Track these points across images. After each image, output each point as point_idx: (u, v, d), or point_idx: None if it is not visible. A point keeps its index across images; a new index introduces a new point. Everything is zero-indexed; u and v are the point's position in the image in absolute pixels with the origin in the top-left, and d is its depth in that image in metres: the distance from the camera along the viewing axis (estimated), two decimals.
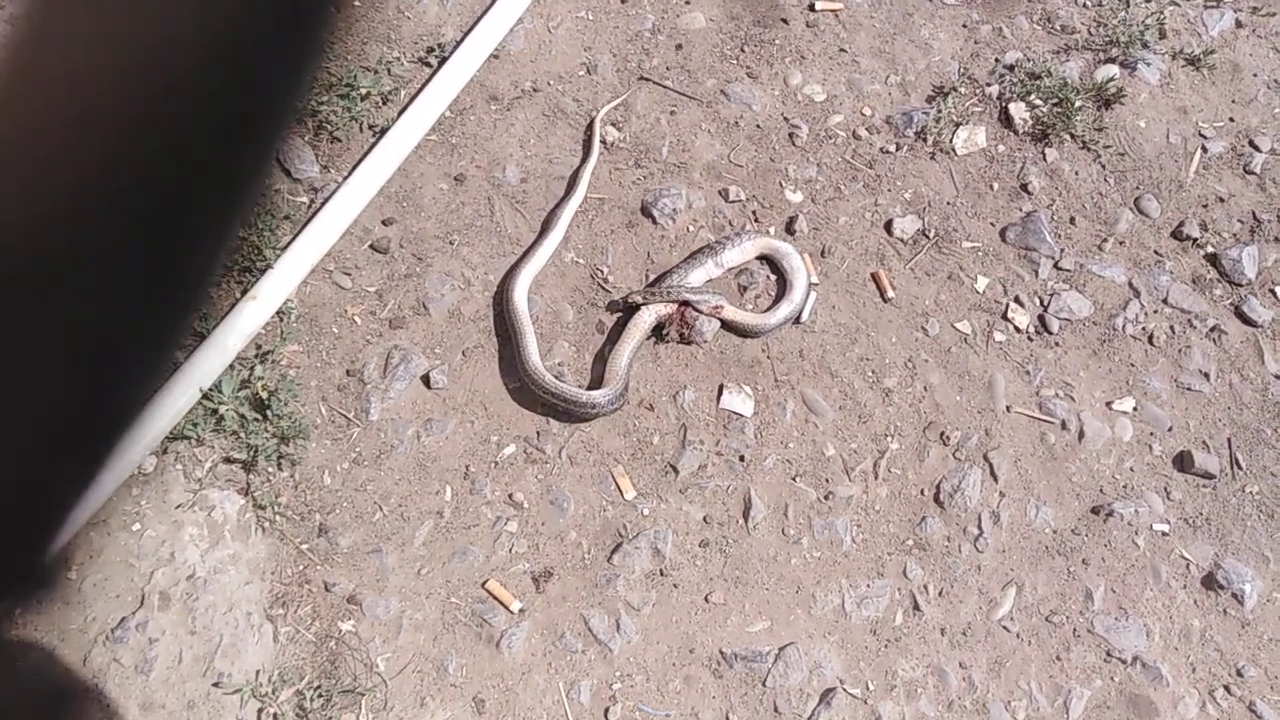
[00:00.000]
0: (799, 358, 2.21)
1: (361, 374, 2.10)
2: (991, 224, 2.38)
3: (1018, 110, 2.48)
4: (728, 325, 2.20)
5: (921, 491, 2.12)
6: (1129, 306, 2.31)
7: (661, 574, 2.00)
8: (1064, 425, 2.19)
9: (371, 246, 2.22)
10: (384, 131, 2.28)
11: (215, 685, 1.83)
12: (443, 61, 2.37)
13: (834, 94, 2.50)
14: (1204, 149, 2.50)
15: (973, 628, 2.02)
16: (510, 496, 2.04)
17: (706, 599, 1.99)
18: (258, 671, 1.86)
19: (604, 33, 2.51)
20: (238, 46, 0.46)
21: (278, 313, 2.10)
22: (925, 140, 2.45)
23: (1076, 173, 2.44)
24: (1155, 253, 2.38)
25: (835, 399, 2.18)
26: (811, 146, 2.43)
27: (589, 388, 2.11)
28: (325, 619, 1.92)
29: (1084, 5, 2.66)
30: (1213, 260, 2.38)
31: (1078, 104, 2.46)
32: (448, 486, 2.04)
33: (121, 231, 0.47)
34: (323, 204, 2.19)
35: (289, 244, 2.13)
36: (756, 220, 2.33)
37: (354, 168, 2.24)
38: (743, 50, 2.52)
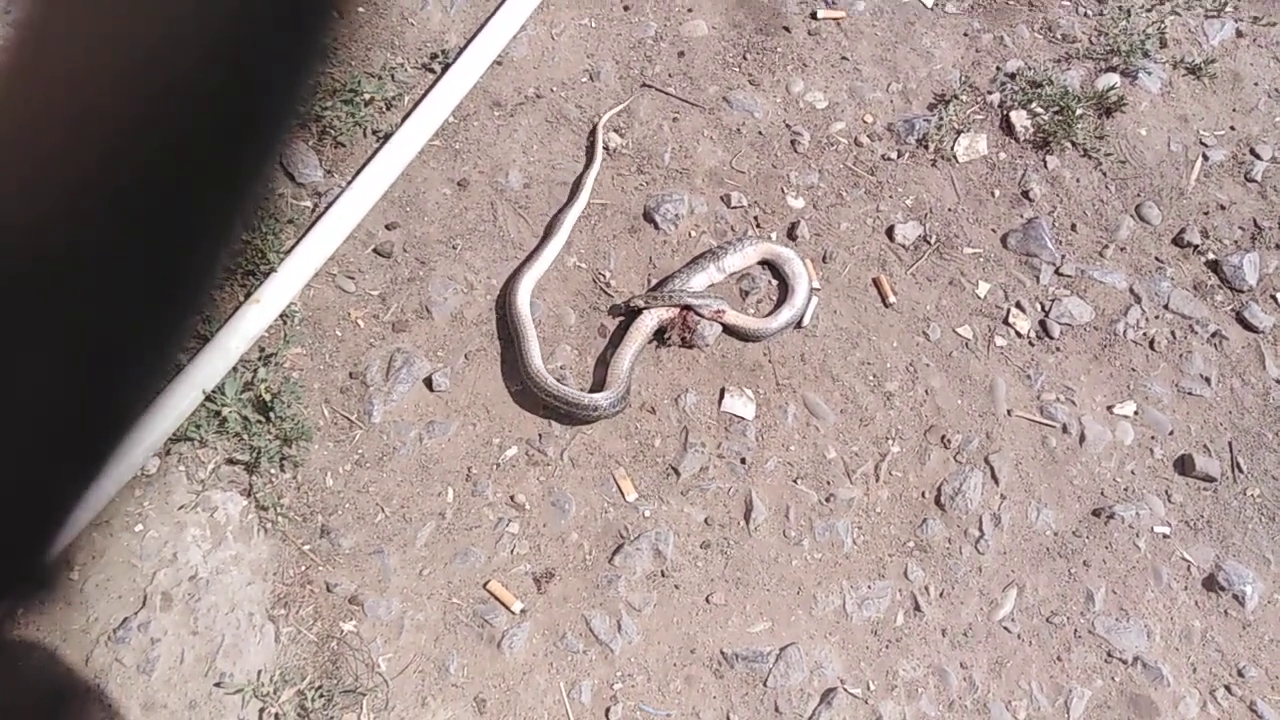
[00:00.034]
0: (800, 362, 2.21)
1: (364, 376, 2.11)
2: (993, 230, 2.38)
3: (1019, 118, 2.48)
4: (729, 329, 2.21)
5: (923, 494, 2.12)
6: (1130, 312, 2.31)
7: (663, 575, 2.01)
8: (1065, 429, 2.20)
9: (375, 250, 2.23)
10: (388, 137, 2.29)
11: (217, 685, 1.84)
12: (446, 67, 2.39)
13: (836, 101, 2.50)
14: (1205, 157, 2.50)
15: (974, 628, 2.02)
16: (512, 498, 2.04)
17: (708, 600, 2.00)
18: (259, 671, 1.87)
19: (607, 40, 2.52)
20: (238, 46, 0.45)
21: (281, 316, 2.11)
22: (927, 147, 2.45)
23: (1078, 180, 2.45)
24: (1156, 259, 2.38)
25: (836, 402, 2.18)
26: (813, 153, 2.44)
27: (591, 391, 2.12)
28: (327, 619, 1.92)
29: (1085, 14, 2.67)
30: (1214, 267, 2.38)
31: (1079, 112, 2.46)
32: (450, 488, 2.05)
33: (121, 231, 0.47)
34: (326, 208, 2.20)
35: (292, 248, 2.15)
36: (758, 226, 2.34)
37: (357, 172, 2.25)
38: (745, 58, 2.53)
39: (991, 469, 2.15)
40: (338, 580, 1.95)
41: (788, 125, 2.46)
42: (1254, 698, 2.01)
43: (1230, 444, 2.21)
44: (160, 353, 0.54)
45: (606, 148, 2.38)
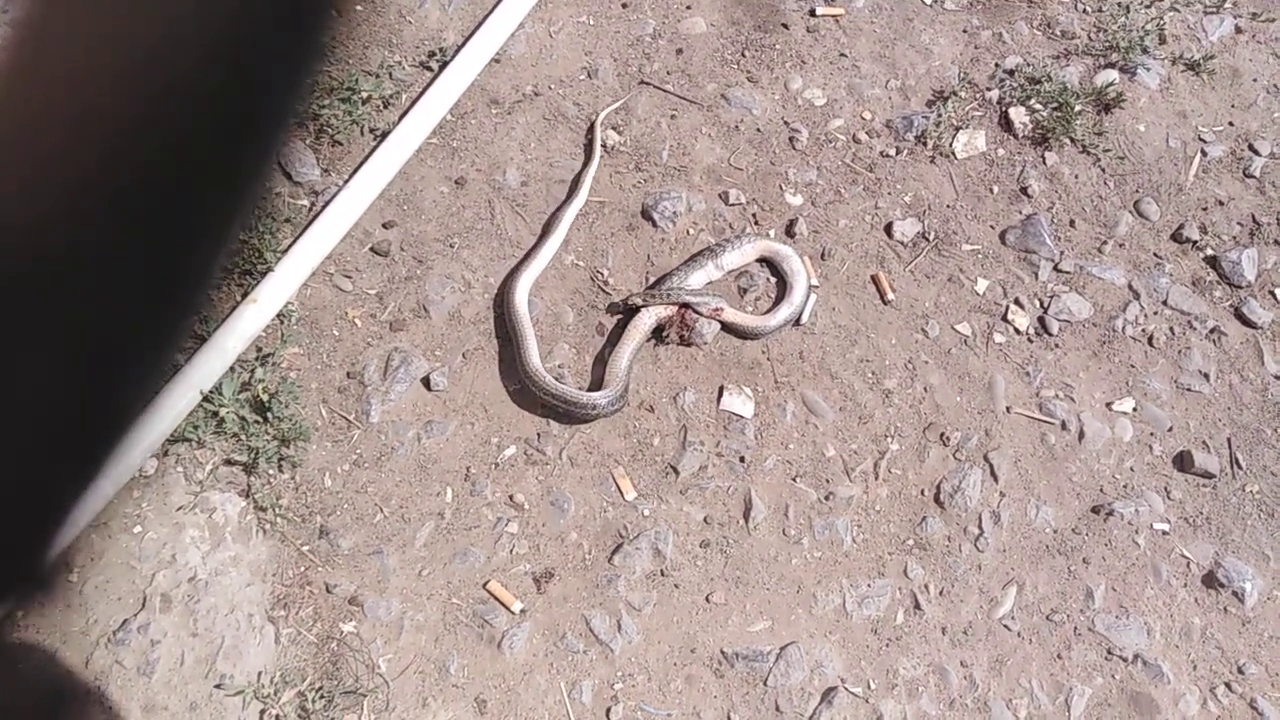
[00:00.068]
0: (799, 359, 2.21)
1: (362, 376, 2.11)
2: (991, 227, 2.38)
3: (1018, 114, 2.48)
4: (728, 327, 2.20)
5: (922, 492, 2.12)
6: (1129, 308, 2.31)
7: (662, 574, 2.01)
8: (1064, 426, 2.20)
9: (372, 249, 2.22)
10: (385, 135, 2.29)
11: (217, 687, 1.83)
12: (444, 66, 2.38)
13: (834, 98, 2.50)
14: (1203, 153, 2.50)
15: (974, 626, 2.02)
16: (511, 498, 2.04)
17: (707, 599, 2.00)
18: (260, 673, 1.86)
19: (605, 37, 2.52)
20: (238, 46, 0.45)
21: (278, 315, 2.10)
22: (925, 144, 2.45)
23: (1076, 176, 2.45)
24: (1155, 255, 2.38)
25: (835, 400, 2.18)
26: (812, 150, 2.43)
27: (589, 389, 2.11)
28: (327, 620, 1.92)
29: (1084, 11, 2.67)
30: (1212, 262, 2.38)
31: (1077, 108, 2.46)
32: (448, 488, 2.04)
33: (121, 231, 0.47)
34: (323, 207, 2.20)
35: (290, 247, 2.14)
36: (756, 223, 2.34)
37: (355, 171, 2.25)
38: (743, 55, 2.53)
39: (991, 466, 2.15)
40: (337, 581, 1.94)
41: (786, 122, 2.46)
42: (1254, 695, 2.01)
43: (1229, 440, 2.22)
44: (159, 353, 0.54)
45: (604, 145, 2.38)
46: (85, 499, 0.55)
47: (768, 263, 2.29)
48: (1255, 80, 2.60)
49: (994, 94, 2.51)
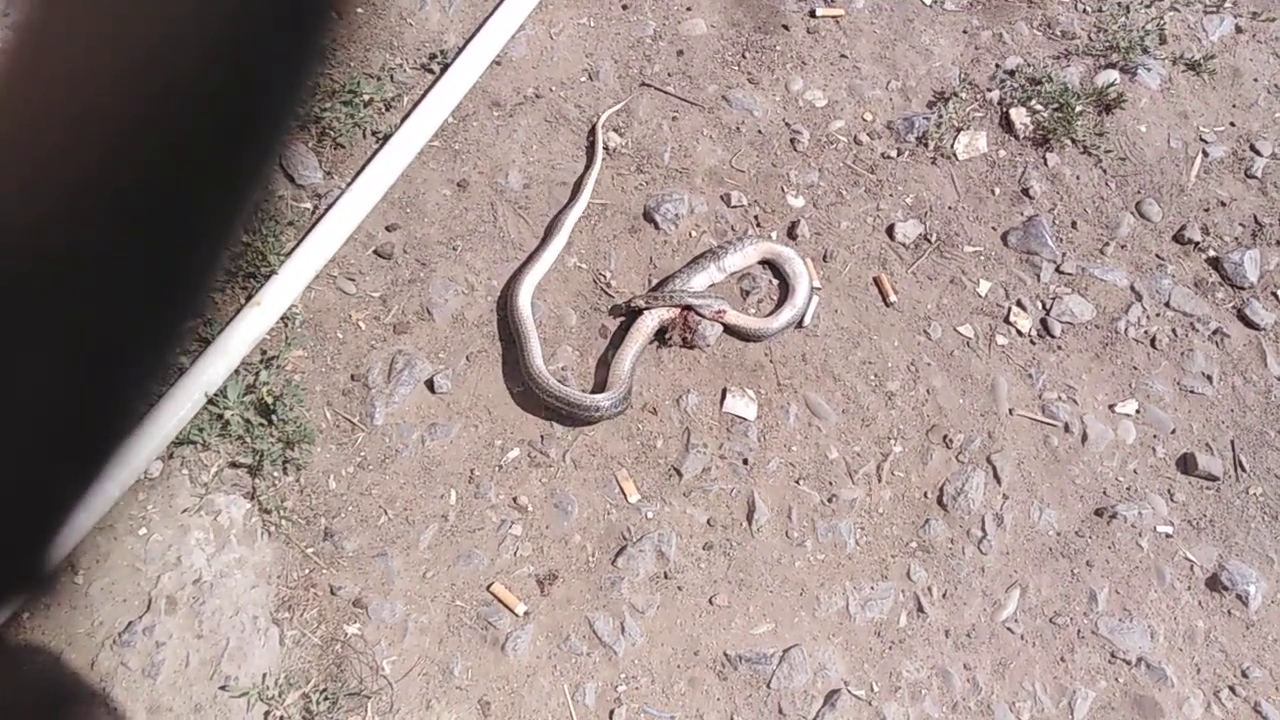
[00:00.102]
0: (802, 361, 2.21)
1: (366, 379, 2.11)
2: (993, 228, 2.38)
3: (1019, 115, 2.48)
4: (730, 330, 2.20)
5: (925, 494, 2.12)
6: (1131, 310, 2.31)
7: (666, 576, 2.01)
8: (1067, 428, 2.20)
9: (375, 252, 2.23)
10: (387, 138, 2.29)
11: (222, 688, 1.84)
12: (445, 68, 2.38)
13: (835, 99, 2.50)
14: (1205, 153, 2.50)
15: (977, 629, 2.02)
16: (514, 500, 2.04)
17: (711, 601, 2.00)
18: (264, 674, 1.87)
19: (605, 39, 2.52)
20: (238, 46, 0.45)
21: (282, 318, 2.11)
22: (926, 145, 2.45)
23: (1078, 177, 2.45)
24: (1157, 256, 2.38)
25: (838, 402, 2.18)
26: (813, 152, 2.43)
27: (592, 392, 2.11)
28: (331, 622, 1.92)
29: (1084, 11, 2.67)
30: (1214, 264, 2.38)
31: (1078, 109, 2.46)
32: (452, 490, 2.05)
33: (121, 231, 0.47)
34: (326, 210, 2.20)
35: (293, 250, 2.14)
36: (758, 225, 2.34)
37: (357, 174, 2.25)
38: (744, 56, 2.53)
39: (994, 469, 2.15)
40: (341, 583, 1.95)
41: (787, 124, 2.46)
42: (1258, 698, 2.00)
43: (1232, 442, 2.21)
44: (160, 353, 0.54)
45: (606, 147, 2.38)
46: (88, 500, 0.55)
47: (770, 265, 2.29)
48: (1256, 80, 2.60)
49: (995, 95, 2.51)
